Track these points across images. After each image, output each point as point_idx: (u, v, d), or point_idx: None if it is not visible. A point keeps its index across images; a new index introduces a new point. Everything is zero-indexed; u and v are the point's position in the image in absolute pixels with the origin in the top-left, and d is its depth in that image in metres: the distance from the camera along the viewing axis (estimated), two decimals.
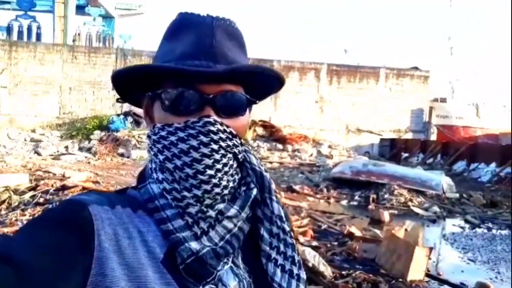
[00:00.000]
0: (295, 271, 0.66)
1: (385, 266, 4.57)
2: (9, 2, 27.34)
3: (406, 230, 6.37)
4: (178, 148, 0.60)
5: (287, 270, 0.65)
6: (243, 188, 0.65)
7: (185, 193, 0.60)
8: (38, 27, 25.20)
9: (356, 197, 8.89)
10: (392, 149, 18.86)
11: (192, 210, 0.60)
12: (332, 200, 8.72)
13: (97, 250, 0.54)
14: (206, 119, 0.60)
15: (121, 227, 0.58)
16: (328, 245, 5.42)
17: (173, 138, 0.61)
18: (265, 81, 0.68)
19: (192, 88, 0.61)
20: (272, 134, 16.67)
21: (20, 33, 24.51)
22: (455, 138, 19.44)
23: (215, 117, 0.61)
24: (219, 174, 0.60)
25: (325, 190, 9.61)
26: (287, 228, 0.68)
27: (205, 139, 0.60)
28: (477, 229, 6.95)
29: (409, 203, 8.31)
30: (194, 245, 0.58)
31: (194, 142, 0.60)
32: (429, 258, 4.49)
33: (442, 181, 9.42)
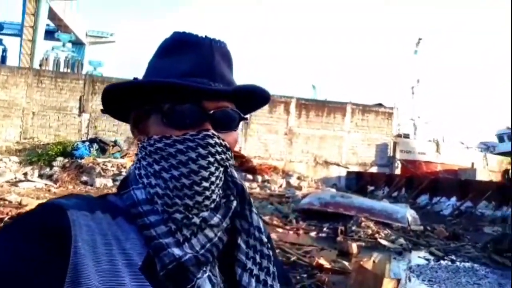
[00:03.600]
0: (269, 281, 0.67)
1: None
2: None
3: (374, 262, 6.41)
4: (177, 159, 0.62)
5: (261, 280, 0.67)
6: (223, 200, 0.67)
7: (177, 200, 0.61)
8: (4, 50, 24.58)
9: (325, 229, 8.91)
10: (358, 182, 19.26)
11: (178, 216, 0.61)
12: (301, 232, 8.69)
13: (73, 257, 0.53)
14: (205, 133, 0.63)
15: (99, 234, 0.57)
16: (298, 277, 5.35)
17: (171, 150, 0.63)
18: (254, 99, 0.73)
19: (195, 103, 0.63)
20: (242, 165, 16.66)
21: None
22: (418, 173, 20.16)
23: (213, 131, 0.64)
24: (212, 187, 0.63)
25: (294, 221, 9.59)
26: (265, 240, 0.70)
27: (203, 152, 0.62)
28: (442, 261, 7.09)
29: (376, 235, 8.41)
30: (176, 251, 0.59)
31: (192, 154, 0.62)
32: None
33: (407, 214, 9.64)
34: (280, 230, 8.62)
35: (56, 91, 18.60)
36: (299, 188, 14.63)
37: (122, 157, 15.88)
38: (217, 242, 0.64)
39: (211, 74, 0.65)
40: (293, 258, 6.36)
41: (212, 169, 0.62)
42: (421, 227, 9.44)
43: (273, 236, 7.81)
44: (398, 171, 21.21)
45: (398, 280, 4.68)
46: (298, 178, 16.87)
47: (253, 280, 0.66)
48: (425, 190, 15.23)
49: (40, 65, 22.63)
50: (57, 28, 26.92)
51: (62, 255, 0.53)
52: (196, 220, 0.62)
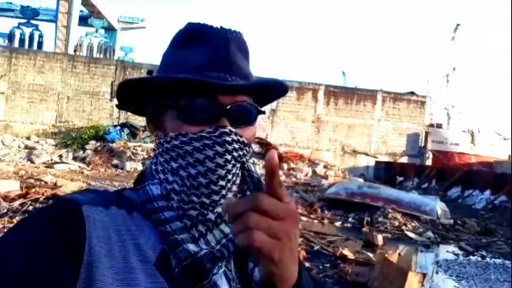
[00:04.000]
0: None
1: None
2: (12, 10, 27.61)
3: (399, 254, 6.30)
4: (194, 157, 0.61)
5: None
6: (239, 195, 0.66)
7: (194, 198, 0.61)
8: (40, 36, 25.42)
9: (350, 219, 8.82)
10: (387, 172, 18.87)
11: (193, 212, 0.61)
12: (326, 221, 8.64)
13: (87, 254, 0.53)
14: (222, 130, 0.61)
15: (113, 230, 0.57)
16: (320, 267, 5.34)
17: (188, 148, 0.62)
18: (271, 92, 0.71)
19: (211, 98, 0.62)
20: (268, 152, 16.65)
21: (21, 40, 24.70)
22: (450, 164, 19.52)
23: (230, 128, 0.62)
24: (229, 185, 0.62)
25: (319, 210, 9.53)
26: None
27: (220, 150, 0.61)
28: (471, 257, 6.88)
29: (403, 227, 8.24)
30: (192, 247, 0.58)
31: (209, 152, 0.61)
32: (423, 285, 4.41)
33: (436, 206, 9.38)
34: (304, 218, 8.59)
35: (89, 76, 19.14)
36: (325, 177, 14.51)
37: (152, 141, 16.23)
38: (233, 238, 0.62)
39: (227, 67, 0.63)
40: (316, 247, 6.34)
41: (229, 166, 0.61)
42: (451, 221, 9.17)
43: None
44: (429, 162, 20.62)
45: (424, 275, 4.58)
46: (325, 167, 16.73)
47: None
48: (457, 182, 14.75)
49: (75, 51, 23.31)
50: (90, 14, 27.53)
51: (76, 251, 0.53)
52: (212, 216, 0.61)
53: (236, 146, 0.62)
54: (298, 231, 0.54)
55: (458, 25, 28.57)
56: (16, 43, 23.98)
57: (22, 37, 24.90)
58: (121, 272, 0.54)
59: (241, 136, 0.63)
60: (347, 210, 9.44)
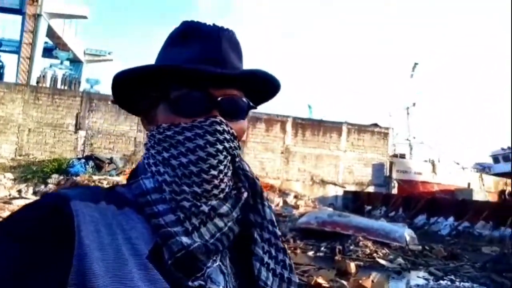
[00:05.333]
0: (286, 274, 0.67)
1: None
2: None
3: (372, 281, 6.32)
4: (185, 146, 0.62)
5: (277, 274, 0.66)
6: (234, 192, 0.66)
7: (185, 188, 0.61)
8: (1, 67, 24.66)
9: (322, 248, 8.82)
10: (355, 202, 19.17)
11: (186, 204, 0.60)
12: (298, 251, 8.59)
13: (78, 247, 0.52)
14: (213, 119, 0.62)
15: (103, 224, 0.56)
16: None
17: (180, 137, 0.62)
18: (263, 89, 0.71)
19: (202, 90, 0.63)
20: None
21: None
22: (414, 193, 20.14)
23: (221, 118, 0.63)
24: (221, 175, 0.62)
25: (291, 240, 9.48)
26: (279, 233, 0.70)
27: (211, 139, 0.61)
28: (441, 281, 7.00)
29: (374, 255, 8.32)
30: (185, 239, 0.58)
31: (200, 142, 0.61)
32: None
33: (405, 233, 9.57)
34: None
35: (52, 108, 18.58)
36: (296, 207, 14.53)
37: (117, 174, 15.75)
38: (227, 232, 0.62)
39: (219, 62, 0.64)
40: None
41: (221, 157, 0.62)
42: (419, 247, 9.36)
43: None
44: (395, 191, 21.17)
45: None
46: (295, 197, 16.78)
47: (270, 274, 0.65)
48: (422, 210, 15.17)
49: (37, 82, 22.69)
50: (55, 46, 27.15)
51: (67, 245, 0.52)
52: (205, 208, 0.61)
53: (227, 136, 0.62)
54: None
55: (416, 63, 30.42)
56: None
57: None
58: (113, 265, 0.53)
59: (231, 128, 0.63)
60: (319, 239, 9.44)
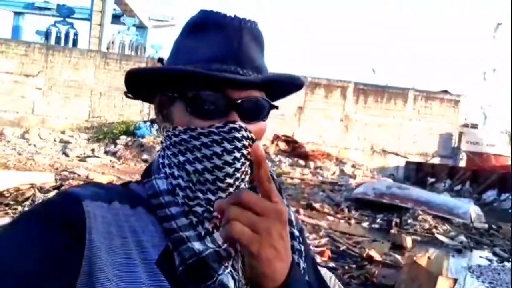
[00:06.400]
0: None
1: None
2: (49, 9, 28.68)
3: (429, 258, 6.09)
4: (202, 152, 0.60)
5: None
6: (248, 186, 0.64)
7: (199, 194, 0.60)
8: (75, 34, 26.26)
9: (378, 220, 8.62)
10: (418, 173, 18.33)
11: (199, 209, 0.59)
12: (352, 221, 8.49)
13: (88, 249, 0.52)
14: (231, 125, 0.60)
15: (115, 226, 0.56)
16: (346, 267, 5.24)
17: (196, 143, 0.60)
18: (285, 88, 0.70)
19: (221, 92, 0.60)
20: (295, 150, 16.52)
21: (57, 38, 25.59)
22: (485, 166, 18.73)
23: (240, 123, 0.60)
24: (237, 183, 0.60)
25: (346, 210, 9.38)
26: (296, 233, 0.67)
27: (229, 147, 0.59)
28: (506, 263, 6.57)
29: (434, 230, 7.98)
30: (197, 245, 0.57)
31: (218, 149, 0.59)
32: None
33: (470, 209, 9.03)
34: (330, 218, 8.48)
35: (120, 73, 19.61)
36: (353, 176, 14.25)
37: (161, 134, 16.48)
38: None
39: (239, 60, 0.61)
40: (342, 248, 6.24)
41: (238, 165, 0.59)
42: (486, 225, 8.80)
43: (323, 224, 7.70)
44: (462, 164, 19.87)
45: (455, 280, 4.41)
46: (353, 166, 16.42)
47: None
48: (493, 186, 14.13)
49: (107, 48, 23.93)
50: (122, 13, 28.20)
51: (77, 247, 0.52)
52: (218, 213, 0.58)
53: (246, 143, 0.60)
54: (286, 232, 0.53)
55: (499, 24, 27.28)
56: (52, 41, 24.89)
57: (58, 35, 25.80)
58: (121, 269, 0.53)
59: (250, 132, 0.61)
60: (375, 211, 9.23)
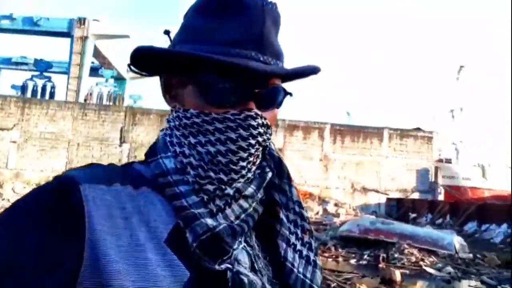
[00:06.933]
0: (312, 257, 0.65)
1: None
2: (26, 64, 28.81)
3: None
4: (215, 136, 0.57)
5: (304, 256, 0.64)
6: (258, 171, 0.62)
7: (211, 174, 0.57)
8: (52, 87, 26.30)
9: (365, 256, 8.56)
10: (399, 209, 18.50)
11: (210, 187, 0.57)
12: (340, 259, 8.39)
13: (89, 234, 0.49)
14: (247, 113, 0.57)
15: (116, 208, 0.53)
16: None
17: (209, 127, 0.57)
18: (303, 76, 0.67)
19: (240, 82, 0.57)
20: None
21: (34, 91, 25.53)
22: (463, 199, 19.13)
23: (257, 111, 0.58)
24: (249, 165, 0.59)
25: (333, 248, 9.29)
26: (306, 214, 0.67)
27: (244, 133, 0.57)
28: None
29: (421, 263, 7.97)
30: (210, 221, 0.54)
31: (232, 135, 0.57)
32: None
33: (454, 240, 9.10)
34: None
35: (99, 123, 19.55)
36: (336, 215, 14.25)
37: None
38: (252, 213, 0.60)
39: (261, 45, 0.58)
40: (333, 285, 6.12)
41: (252, 150, 0.58)
42: (470, 255, 8.86)
43: None
44: (441, 198, 20.22)
45: None
46: (335, 205, 16.47)
47: (296, 256, 0.63)
48: (472, 217, 14.36)
49: (85, 100, 23.97)
50: (100, 65, 28.61)
51: (76, 233, 0.49)
52: (230, 191, 0.58)
53: (261, 130, 0.58)
54: None
55: (462, 66, 29.04)
56: (28, 94, 24.80)
57: (35, 88, 25.78)
58: (128, 250, 0.50)
59: (265, 119, 0.59)
60: (361, 247, 9.18)
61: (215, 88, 0.57)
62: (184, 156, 0.59)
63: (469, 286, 6.87)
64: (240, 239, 0.58)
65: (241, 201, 0.59)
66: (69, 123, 19.44)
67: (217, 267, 0.53)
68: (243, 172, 0.58)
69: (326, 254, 8.72)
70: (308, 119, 20.40)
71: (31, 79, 26.32)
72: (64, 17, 25.24)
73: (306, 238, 0.65)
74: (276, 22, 0.61)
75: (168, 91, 0.64)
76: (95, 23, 25.14)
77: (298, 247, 0.64)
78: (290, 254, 0.63)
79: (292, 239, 0.64)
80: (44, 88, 25.91)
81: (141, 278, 0.49)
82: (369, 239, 9.39)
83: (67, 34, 24.84)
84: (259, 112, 0.58)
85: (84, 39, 24.50)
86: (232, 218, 0.57)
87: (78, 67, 24.53)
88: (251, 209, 0.60)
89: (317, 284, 0.64)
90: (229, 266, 0.54)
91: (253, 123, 0.57)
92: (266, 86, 0.59)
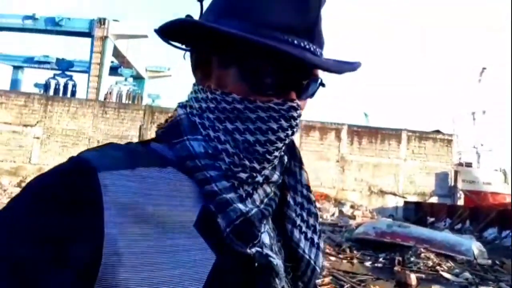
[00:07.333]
0: (316, 239, 0.66)
1: None
2: (48, 62, 29.58)
3: None
4: (256, 125, 0.56)
5: (309, 238, 0.65)
6: None
7: (246, 162, 0.57)
8: (74, 85, 26.91)
9: (381, 259, 8.46)
10: (417, 213, 18.19)
11: (243, 175, 0.57)
12: (355, 261, 8.32)
13: (108, 226, 0.46)
14: (290, 104, 0.56)
15: (141, 195, 0.50)
16: None
17: (251, 115, 0.56)
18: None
19: (289, 71, 0.55)
20: None
21: (56, 90, 26.17)
22: (484, 204, 18.69)
23: (298, 101, 0.57)
24: (280, 154, 0.60)
25: (348, 250, 9.22)
26: (313, 198, 0.68)
27: (285, 124, 0.56)
28: None
29: (438, 268, 7.82)
30: (241, 206, 0.55)
31: (274, 125, 0.56)
32: None
33: (473, 246, 8.90)
34: (333, 258, 8.32)
35: (118, 121, 19.91)
36: (352, 217, 14.14)
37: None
38: (273, 197, 0.61)
39: (312, 34, 0.55)
40: (346, 286, 6.08)
41: (287, 141, 0.59)
42: (489, 261, 8.64)
43: (326, 264, 7.54)
44: (460, 202, 19.81)
45: None
46: (352, 207, 16.34)
47: (302, 237, 0.64)
48: (493, 223, 14.00)
49: (105, 98, 24.45)
50: (120, 65, 29.13)
51: (93, 226, 0.46)
52: (260, 178, 0.59)
53: (298, 121, 0.58)
54: None
55: (484, 68, 28.48)
56: (51, 92, 25.43)
57: (57, 86, 26.44)
58: (154, 238, 0.49)
59: (302, 109, 0.58)
60: (377, 250, 9.08)
61: (265, 75, 0.55)
62: (219, 142, 0.57)
63: None
64: (265, 222, 0.58)
65: (265, 186, 0.60)
66: (89, 121, 19.87)
67: (248, 250, 0.54)
68: (275, 161, 0.60)
69: (341, 256, 8.66)
70: (325, 120, 20.28)
71: (53, 77, 26.98)
72: (85, 18, 25.80)
73: (311, 221, 0.66)
74: (322, 9, 0.58)
75: (202, 68, 0.60)
76: (114, 23, 25.60)
77: (304, 229, 0.65)
78: (296, 235, 0.64)
79: (298, 221, 0.65)
80: (66, 86, 26.53)
81: (171, 264, 0.49)
82: (385, 242, 9.29)
83: (88, 34, 25.38)
84: (300, 103, 0.57)
85: (104, 39, 24.99)
86: (258, 203, 0.58)
87: (98, 66, 25.04)
88: (272, 193, 0.61)
89: (319, 266, 0.65)
90: (259, 249, 0.55)
91: (295, 114, 0.56)
92: (309, 76, 0.58)
